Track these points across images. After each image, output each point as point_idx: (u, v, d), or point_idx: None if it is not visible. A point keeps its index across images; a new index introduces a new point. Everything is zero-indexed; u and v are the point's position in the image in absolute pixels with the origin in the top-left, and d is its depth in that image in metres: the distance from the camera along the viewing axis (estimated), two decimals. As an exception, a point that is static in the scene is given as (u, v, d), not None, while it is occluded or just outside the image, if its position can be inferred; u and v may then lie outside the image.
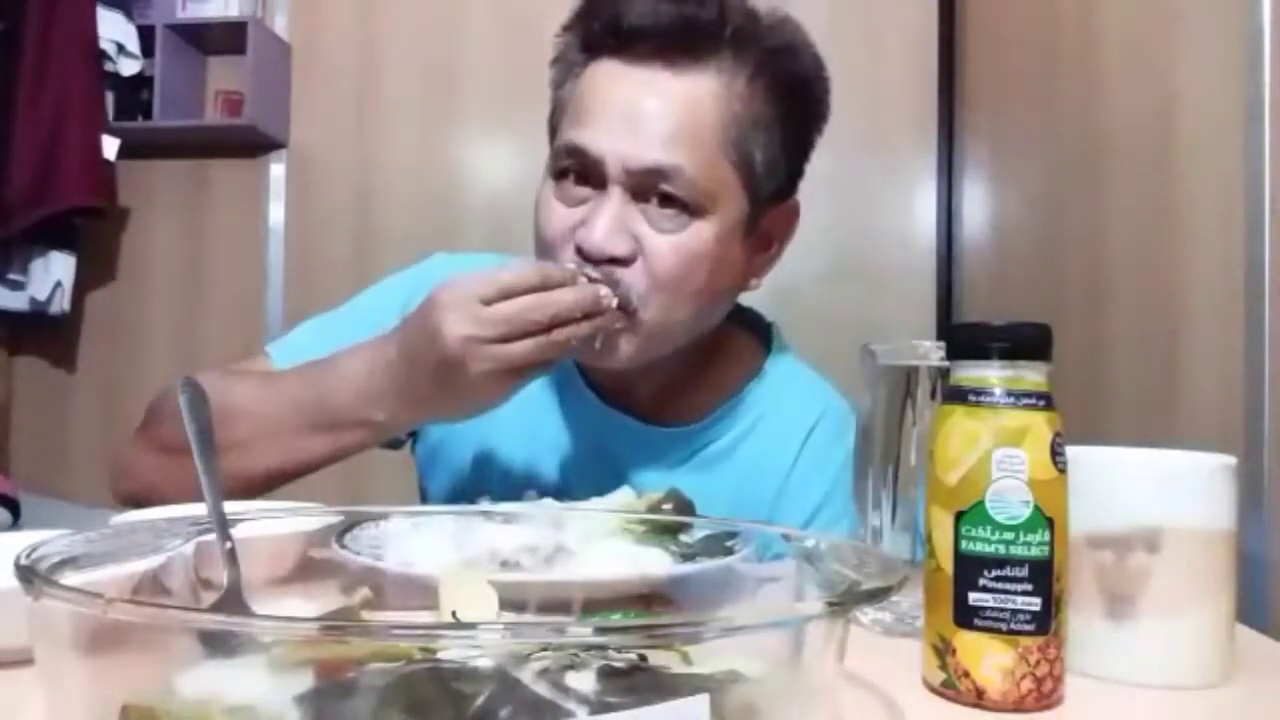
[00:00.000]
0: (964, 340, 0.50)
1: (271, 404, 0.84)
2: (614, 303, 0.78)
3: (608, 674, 0.36)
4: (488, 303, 0.73)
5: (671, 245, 0.82)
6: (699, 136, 0.81)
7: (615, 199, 0.81)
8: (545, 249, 0.86)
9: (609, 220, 0.81)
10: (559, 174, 0.85)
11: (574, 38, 0.88)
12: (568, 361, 0.95)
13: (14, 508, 0.94)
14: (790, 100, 0.86)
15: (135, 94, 2.48)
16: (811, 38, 0.89)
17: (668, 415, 0.94)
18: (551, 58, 0.91)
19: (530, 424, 0.95)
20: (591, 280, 0.78)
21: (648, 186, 0.81)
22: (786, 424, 0.94)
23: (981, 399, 0.48)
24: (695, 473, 0.92)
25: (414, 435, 1.01)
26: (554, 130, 0.90)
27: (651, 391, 0.94)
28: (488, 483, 0.93)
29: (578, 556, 0.62)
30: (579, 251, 0.82)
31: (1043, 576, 0.46)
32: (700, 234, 0.82)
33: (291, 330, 0.98)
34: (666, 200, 0.81)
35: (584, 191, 0.84)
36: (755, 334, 1.01)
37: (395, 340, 0.79)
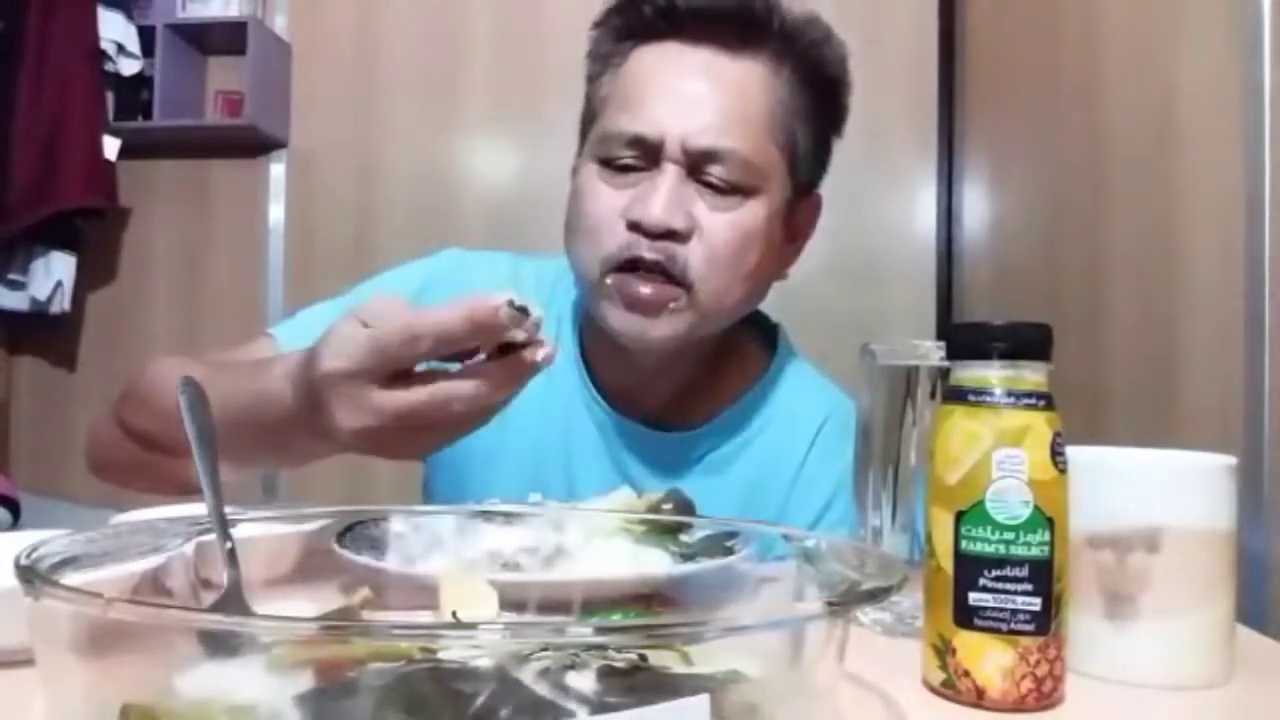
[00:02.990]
0: (964, 340, 0.50)
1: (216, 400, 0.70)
2: (532, 341, 0.59)
3: (608, 674, 0.36)
4: (385, 379, 0.58)
5: (728, 222, 0.83)
6: (753, 120, 0.83)
7: (671, 175, 0.82)
8: (587, 235, 0.84)
9: (667, 195, 0.81)
10: (606, 160, 0.85)
11: (613, 29, 0.89)
12: (576, 367, 0.95)
13: (14, 508, 0.94)
14: (824, 94, 0.89)
15: (135, 94, 2.48)
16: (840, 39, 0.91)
17: (675, 420, 0.94)
18: (587, 51, 0.91)
19: (536, 430, 0.94)
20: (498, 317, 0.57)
21: (702, 166, 0.82)
22: (794, 426, 0.94)
23: (981, 399, 0.48)
24: (704, 477, 0.91)
25: None
26: (588, 121, 0.90)
27: (659, 397, 0.93)
28: (493, 488, 0.93)
29: (577, 557, 0.62)
30: (634, 228, 0.81)
31: (1043, 576, 0.46)
32: (754, 212, 0.84)
33: (298, 313, 0.96)
34: (719, 181, 0.83)
35: (633, 176, 0.84)
36: (761, 335, 1.00)
37: (297, 379, 0.64)
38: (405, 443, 0.61)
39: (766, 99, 0.84)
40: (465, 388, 0.58)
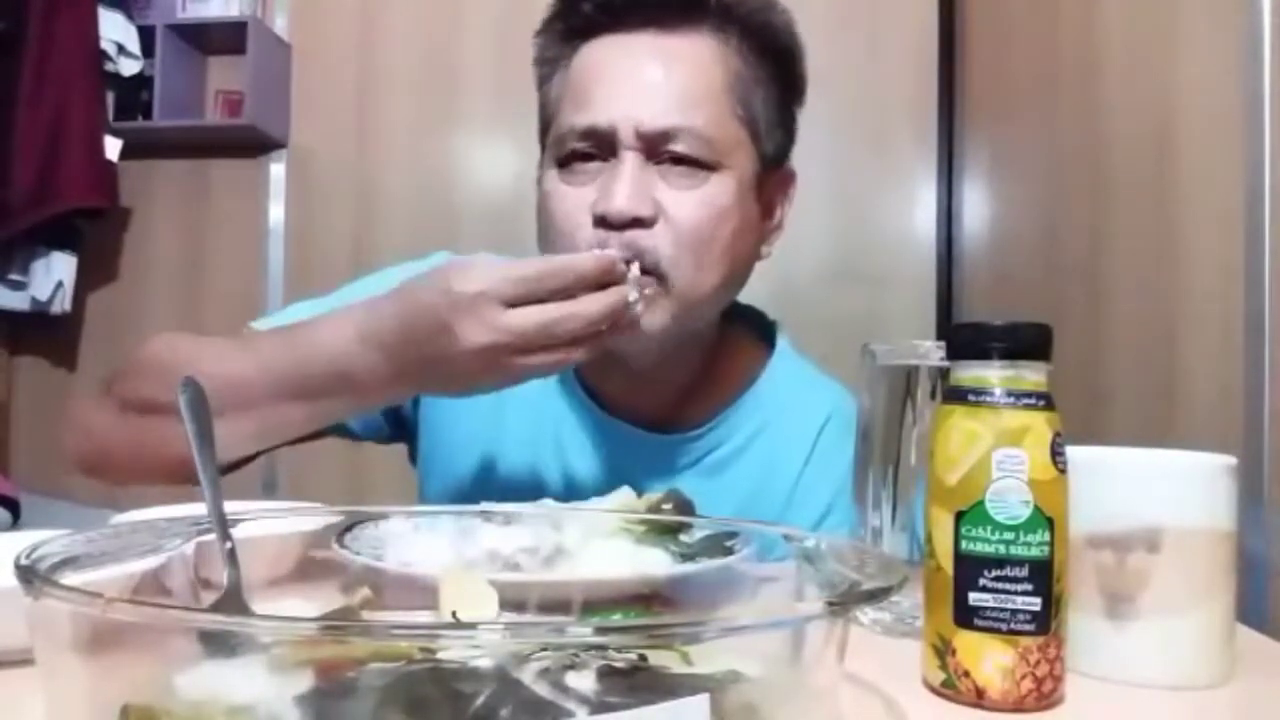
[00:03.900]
0: (964, 340, 0.50)
1: (245, 368, 0.78)
2: (639, 299, 0.75)
3: (608, 674, 0.36)
4: (510, 304, 0.69)
5: (694, 200, 0.81)
6: (708, 93, 0.82)
7: (630, 162, 0.80)
8: (559, 236, 0.83)
9: (628, 182, 0.79)
10: (563, 161, 0.84)
11: (555, 33, 0.88)
12: (571, 374, 0.94)
13: (14, 508, 0.94)
14: (777, 61, 0.88)
15: (135, 94, 2.48)
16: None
17: (672, 422, 0.93)
18: (533, 59, 0.90)
19: (532, 435, 0.94)
20: (619, 267, 0.74)
21: (661, 148, 0.81)
22: (795, 426, 0.93)
23: (981, 399, 0.48)
24: (703, 479, 0.90)
25: (411, 439, 1.00)
26: (545, 128, 0.89)
27: (656, 401, 0.92)
28: (488, 493, 0.92)
29: (577, 557, 0.62)
30: (600, 223, 0.80)
31: (1043, 576, 0.46)
32: (721, 187, 0.82)
33: (283, 309, 0.96)
34: (680, 160, 0.81)
35: (592, 167, 0.83)
36: (757, 333, 1.00)
37: (395, 315, 0.73)
38: (517, 365, 0.70)
39: (720, 70, 0.83)
40: (580, 307, 0.69)
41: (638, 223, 0.80)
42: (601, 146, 0.82)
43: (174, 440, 0.79)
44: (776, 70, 0.88)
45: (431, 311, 0.70)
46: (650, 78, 0.82)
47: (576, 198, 0.82)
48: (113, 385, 0.89)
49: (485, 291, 0.68)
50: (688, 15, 0.83)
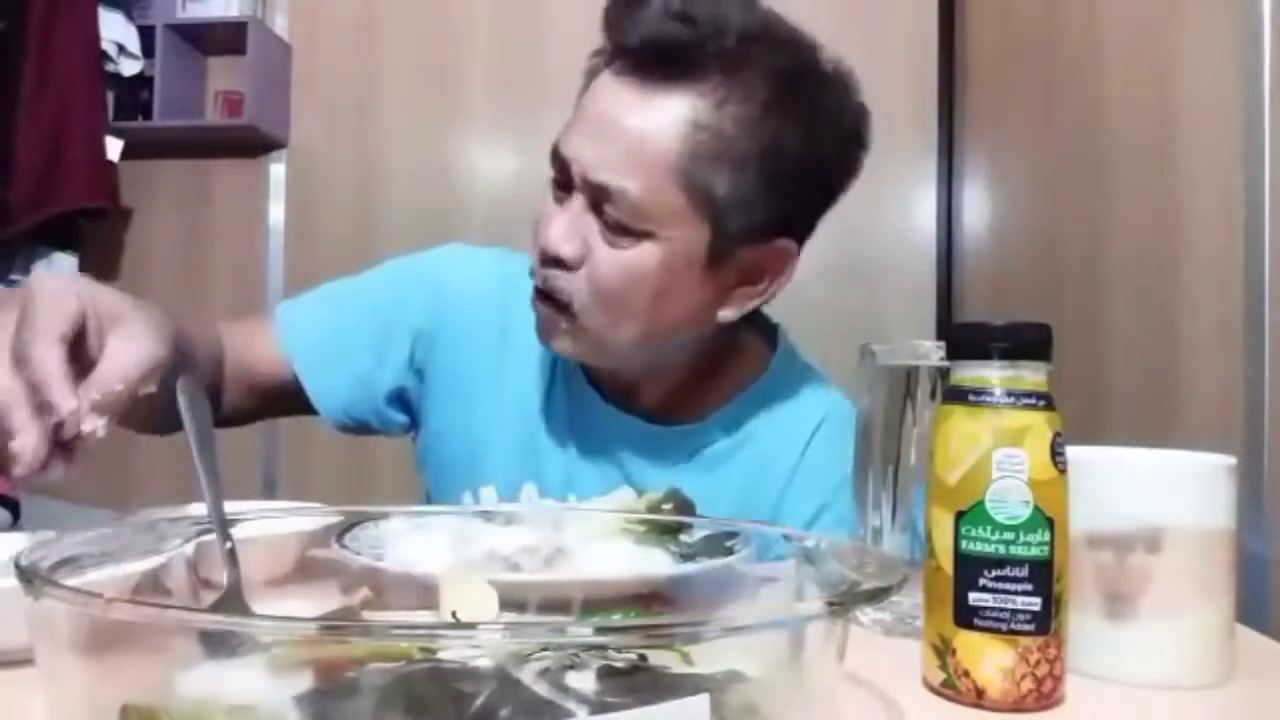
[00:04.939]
0: (964, 340, 0.50)
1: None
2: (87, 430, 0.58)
3: (608, 674, 0.36)
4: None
5: (614, 258, 0.82)
6: (650, 164, 0.79)
7: (576, 205, 0.82)
8: (530, 242, 0.88)
9: (564, 223, 0.82)
10: (554, 178, 0.87)
11: (600, 46, 0.88)
12: (574, 362, 0.95)
13: (14, 508, 0.94)
14: (778, 138, 0.80)
15: (135, 94, 2.48)
16: (845, 67, 0.86)
17: (672, 414, 0.94)
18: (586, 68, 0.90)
19: (531, 422, 0.96)
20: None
21: (598, 201, 0.82)
22: (791, 425, 0.94)
23: (981, 399, 0.48)
24: (699, 472, 0.92)
25: (410, 419, 1.02)
26: None
27: (656, 393, 0.94)
28: (491, 479, 0.93)
29: (577, 557, 0.62)
30: (539, 249, 0.84)
31: (1043, 576, 0.46)
32: (646, 254, 0.81)
33: (304, 293, 1.02)
34: (610, 218, 0.81)
35: (564, 195, 0.85)
36: (761, 334, 1.01)
37: None
38: None
39: (674, 144, 0.78)
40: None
41: (560, 262, 0.82)
42: (566, 177, 0.84)
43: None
44: (774, 147, 0.80)
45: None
46: (605, 130, 0.81)
47: (544, 214, 0.86)
48: None
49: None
50: (669, 78, 0.79)
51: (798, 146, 0.82)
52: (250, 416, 0.98)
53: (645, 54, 0.80)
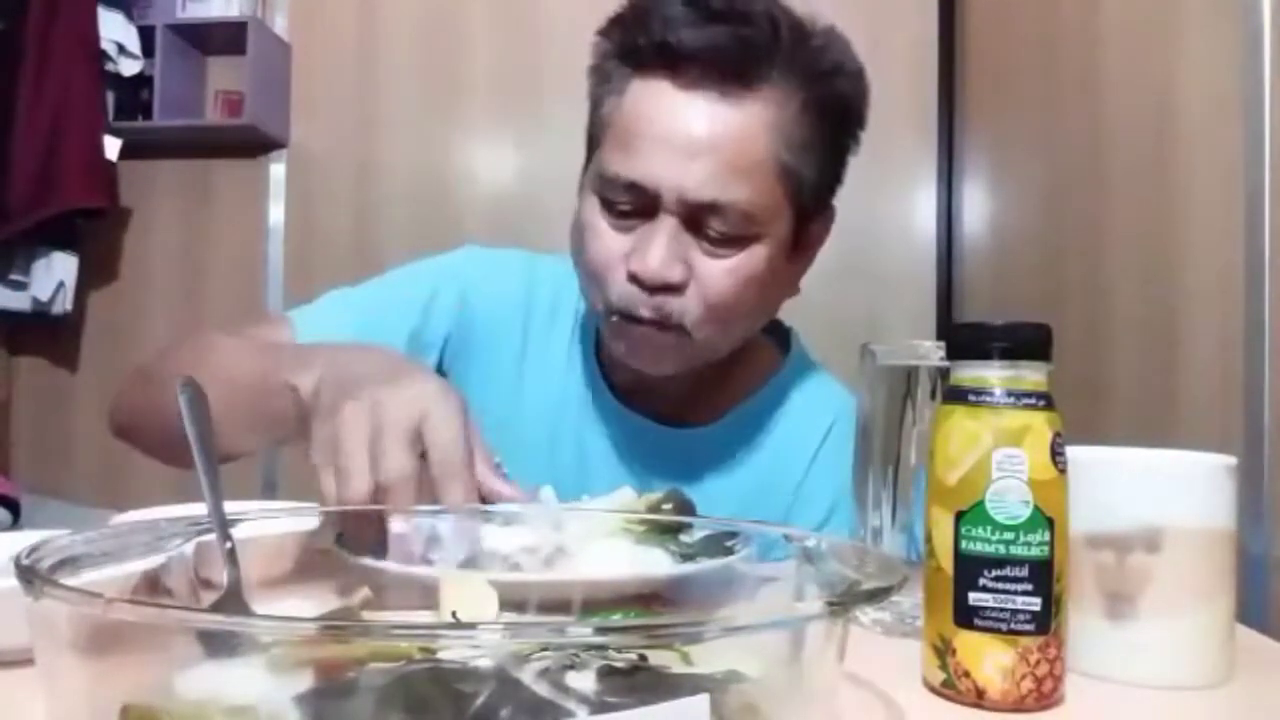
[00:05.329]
0: (964, 340, 0.50)
1: (242, 359, 0.81)
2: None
3: (608, 674, 0.36)
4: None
5: (725, 269, 0.81)
6: (754, 170, 0.80)
7: (669, 226, 0.80)
8: (594, 274, 0.84)
9: (664, 249, 0.79)
10: (607, 198, 0.83)
11: (614, 46, 0.85)
12: (589, 364, 0.96)
13: (14, 508, 0.94)
14: (836, 122, 0.86)
15: (135, 94, 2.48)
16: (854, 52, 0.87)
17: (686, 416, 0.95)
18: (590, 64, 0.87)
19: (549, 422, 0.96)
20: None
21: (701, 218, 0.80)
22: (802, 428, 0.94)
23: (981, 399, 0.48)
24: (713, 474, 0.92)
25: None
26: (593, 141, 0.87)
27: (672, 396, 0.94)
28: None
29: (577, 557, 0.62)
30: (633, 279, 0.81)
31: (1043, 576, 0.46)
32: (754, 257, 0.82)
33: (316, 300, 0.99)
34: (718, 232, 0.80)
35: (633, 219, 0.82)
36: (773, 338, 1.01)
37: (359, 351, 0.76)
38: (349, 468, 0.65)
39: (770, 143, 0.80)
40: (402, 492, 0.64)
41: (667, 288, 0.80)
42: (642, 201, 0.81)
43: (165, 409, 0.79)
44: (834, 130, 0.86)
45: (388, 364, 0.71)
46: (699, 146, 0.79)
47: (613, 243, 0.83)
48: (141, 366, 0.95)
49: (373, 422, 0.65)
50: (748, 77, 0.79)
51: (847, 126, 0.87)
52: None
53: (716, 59, 0.78)
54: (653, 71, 0.81)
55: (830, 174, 0.88)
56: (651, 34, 0.80)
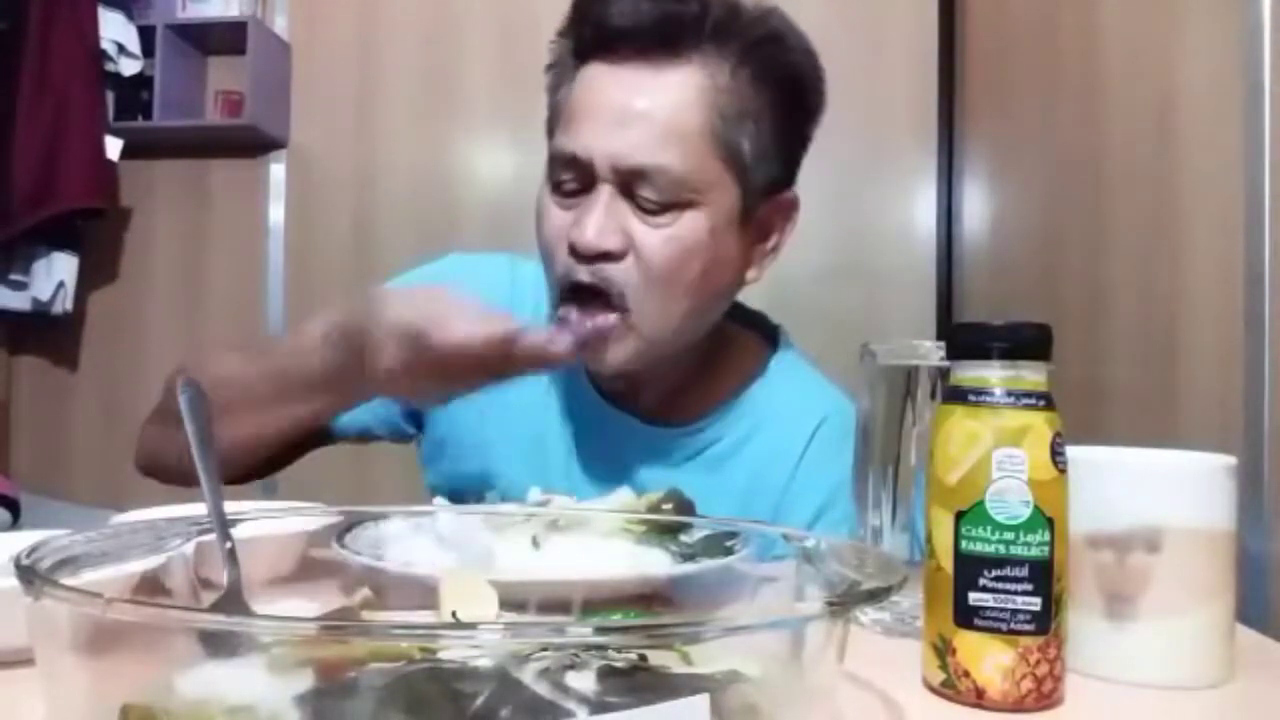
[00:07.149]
0: (964, 340, 0.50)
1: (243, 368, 0.88)
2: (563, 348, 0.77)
3: (608, 674, 0.36)
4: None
5: (664, 238, 0.82)
6: (685, 135, 0.82)
7: (604, 195, 0.82)
8: (545, 256, 0.88)
9: (599, 217, 0.82)
10: (555, 183, 0.86)
11: (567, 42, 0.89)
12: (576, 362, 0.95)
13: (14, 508, 0.95)
14: (778, 89, 0.86)
15: (135, 94, 2.47)
16: (802, 30, 0.89)
17: (672, 415, 0.95)
18: (547, 63, 0.92)
19: (534, 423, 0.96)
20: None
21: (634, 185, 0.82)
22: (791, 425, 0.94)
23: (981, 399, 0.48)
24: (699, 472, 0.92)
25: (419, 429, 1.02)
26: (550, 134, 0.90)
27: (656, 393, 0.94)
28: (491, 480, 0.94)
29: (570, 535, 0.63)
30: (572, 250, 0.83)
31: (1043, 576, 0.46)
32: (693, 224, 0.83)
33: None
34: (651, 198, 0.82)
35: (578, 197, 0.85)
36: (761, 335, 1.01)
37: (340, 327, 0.81)
38: (427, 386, 0.77)
39: (704, 109, 0.82)
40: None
41: (606, 256, 0.82)
42: (582, 176, 0.84)
43: (178, 439, 0.82)
44: (778, 98, 0.86)
45: (361, 334, 0.77)
46: (628, 114, 0.82)
47: (560, 220, 0.85)
48: (159, 403, 0.97)
49: (409, 326, 0.74)
50: (676, 49, 0.83)
51: (793, 95, 0.88)
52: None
53: (643, 34, 0.82)
54: (594, 56, 0.85)
55: (779, 149, 0.88)
56: (590, 21, 0.85)
